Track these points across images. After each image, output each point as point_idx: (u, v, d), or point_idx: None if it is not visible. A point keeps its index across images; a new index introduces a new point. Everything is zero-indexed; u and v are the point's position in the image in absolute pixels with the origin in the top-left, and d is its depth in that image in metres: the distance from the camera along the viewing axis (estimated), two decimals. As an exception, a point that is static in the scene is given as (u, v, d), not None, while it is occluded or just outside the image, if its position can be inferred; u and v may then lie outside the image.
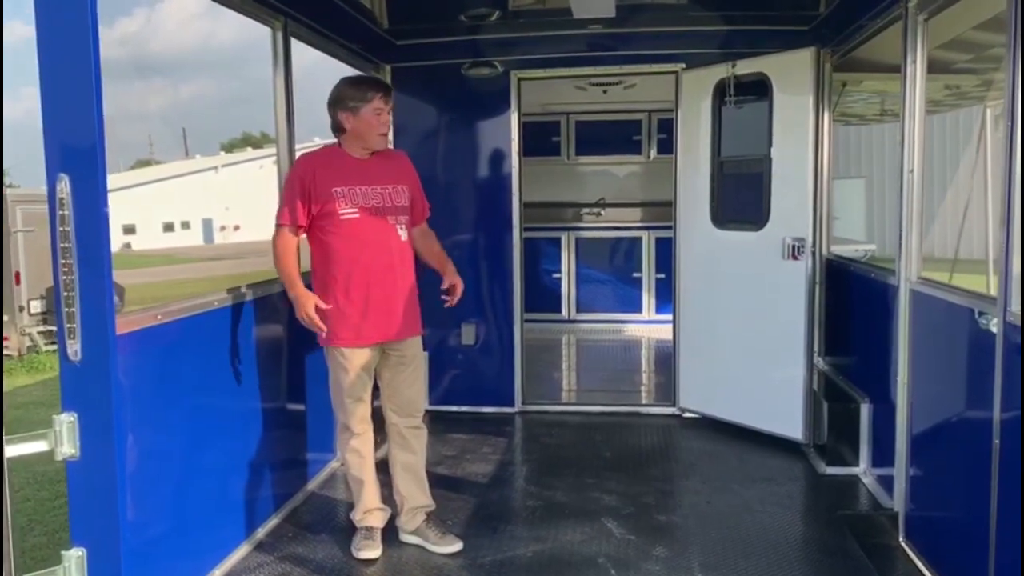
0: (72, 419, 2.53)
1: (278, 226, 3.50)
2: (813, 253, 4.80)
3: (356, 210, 3.43)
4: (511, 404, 5.75)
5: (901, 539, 3.69)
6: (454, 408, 5.73)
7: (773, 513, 4.00)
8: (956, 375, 3.30)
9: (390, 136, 5.61)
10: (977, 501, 2.90)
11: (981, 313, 2.89)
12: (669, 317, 8.52)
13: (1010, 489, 2.64)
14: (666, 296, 8.68)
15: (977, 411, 2.97)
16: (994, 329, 2.77)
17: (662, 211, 8.88)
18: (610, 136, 9.11)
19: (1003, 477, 2.72)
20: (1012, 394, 2.62)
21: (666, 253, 8.63)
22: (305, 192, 3.42)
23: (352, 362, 3.50)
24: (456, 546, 3.61)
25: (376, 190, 3.50)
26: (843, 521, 3.85)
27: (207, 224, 26.83)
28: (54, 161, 2.48)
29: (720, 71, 5.15)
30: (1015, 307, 2.63)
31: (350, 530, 3.74)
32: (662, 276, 8.67)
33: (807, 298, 4.79)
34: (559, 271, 8.69)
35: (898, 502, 3.76)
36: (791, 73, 4.80)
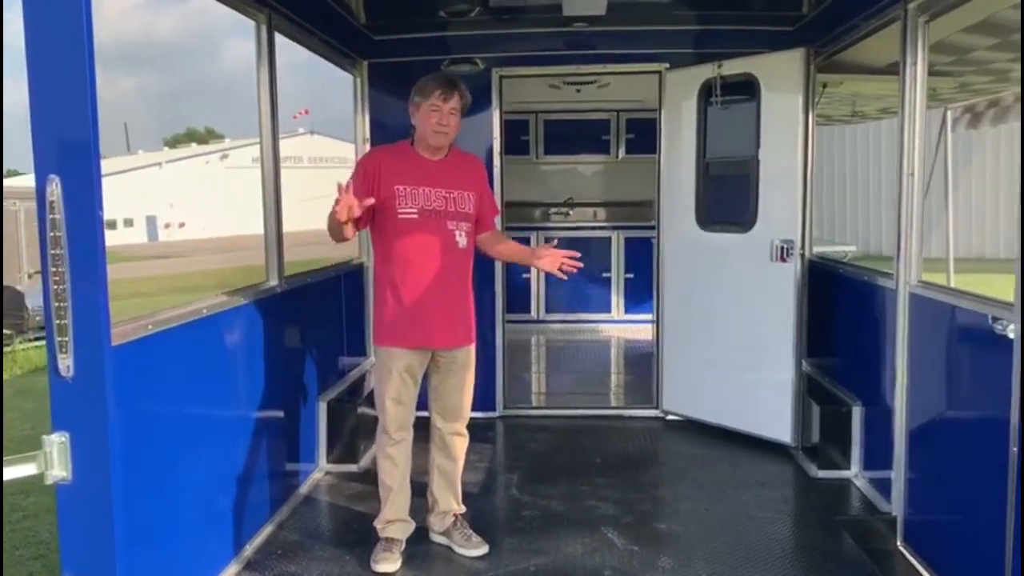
0: (64, 439, 2.34)
1: None
2: (801, 255, 4.78)
3: (415, 211, 3.38)
4: (493, 409, 5.63)
5: (899, 543, 3.68)
6: None
7: (773, 519, 3.96)
8: (964, 380, 3.28)
9: (366, 134, 5.52)
10: (988, 508, 2.88)
11: (995, 319, 2.86)
12: (638, 317, 8.52)
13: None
14: (635, 296, 8.67)
15: (990, 417, 2.95)
16: (1011, 335, 2.75)
17: (631, 211, 8.85)
18: (578, 135, 9.05)
19: (1021, 485, 2.70)
20: (1032, 401, 2.59)
21: (635, 253, 8.63)
22: (368, 181, 3.37)
23: (393, 362, 3.45)
24: (481, 550, 3.58)
25: (440, 193, 3.43)
26: (842, 526, 3.82)
27: (151, 221, 26.14)
28: (44, 161, 2.28)
29: (706, 71, 5.10)
30: (1035, 314, 2.61)
31: (342, 544, 3.61)
32: (631, 276, 8.65)
33: (796, 300, 4.77)
34: (528, 271, 8.59)
35: (896, 506, 3.75)
36: (780, 74, 4.77)
